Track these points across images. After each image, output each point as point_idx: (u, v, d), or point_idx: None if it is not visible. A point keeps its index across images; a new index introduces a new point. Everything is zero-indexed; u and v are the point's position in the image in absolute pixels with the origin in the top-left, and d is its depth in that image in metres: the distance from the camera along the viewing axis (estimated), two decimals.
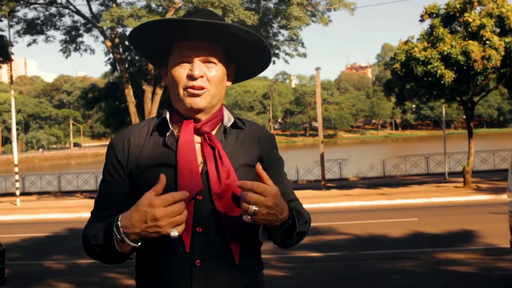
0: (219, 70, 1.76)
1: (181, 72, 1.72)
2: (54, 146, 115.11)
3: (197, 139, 1.75)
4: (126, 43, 24.82)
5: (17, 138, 27.39)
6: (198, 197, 1.65)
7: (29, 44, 25.17)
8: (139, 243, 1.58)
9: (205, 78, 1.72)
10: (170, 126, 1.75)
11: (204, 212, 1.64)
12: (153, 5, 21.93)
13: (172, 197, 1.52)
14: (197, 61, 1.72)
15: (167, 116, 1.77)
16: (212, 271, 1.65)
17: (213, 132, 1.78)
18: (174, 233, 1.53)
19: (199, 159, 1.71)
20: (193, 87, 1.70)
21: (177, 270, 1.65)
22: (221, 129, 1.80)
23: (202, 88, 1.71)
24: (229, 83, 1.85)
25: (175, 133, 1.75)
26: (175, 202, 1.52)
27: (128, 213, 1.56)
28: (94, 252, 1.68)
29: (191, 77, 1.70)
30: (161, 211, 1.51)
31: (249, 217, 1.56)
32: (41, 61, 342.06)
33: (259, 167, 1.63)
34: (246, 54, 1.83)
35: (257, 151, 1.81)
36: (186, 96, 1.72)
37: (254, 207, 1.54)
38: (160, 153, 1.72)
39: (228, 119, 1.81)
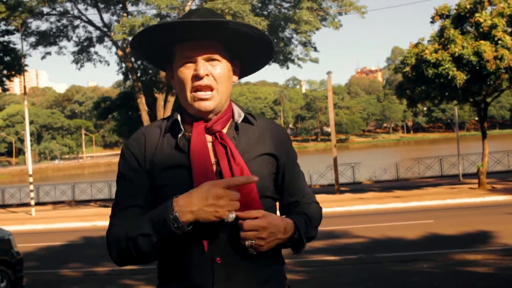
0: (224, 66, 1.74)
1: (186, 73, 1.72)
2: (67, 156, 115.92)
3: (209, 138, 1.74)
4: None
5: (31, 149, 27.57)
6: None
7: (43, 57, 25.52)
8: (190, 227, 1.57)
9: (211, 77, 1.71)
10: (182, 127, 1.75)
11: None
12: (164, 13, 22.07)
13: (236, 180, 1.58)
14: (200, 60, 1.71)
15: (179, 118, 1.77)
16: (232, 267, 1.67)
17: (225, 130, 1.77)
18: (232, 215, 1.57)
19: (212, 158, 1.71)
20: (199, 87, 1.70)
21: (199, 269, 1.67)
22: (233, 125, 1.79)
23: (209, 88, 1.70)
24: (235, 78, 1.84)
25: (187, 134, 1.75)
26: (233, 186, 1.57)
27: (186, 194, 1.58)
28: (128, 252, 1.63)
29: (196, 77, 1.69)
30: (223, 191, 1.55)
31: (251, 249, 1.63)
32: (52, 72, 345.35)
33: (240, 214, 1.60)
34: (248, 48, 1.81)
35: (270, 147, 1.80)
36: (194, 101, 1.71)
37: (250, 241, 1.61)
38: (174, 155, 1.72)
39: (239, 115, 1.81)
